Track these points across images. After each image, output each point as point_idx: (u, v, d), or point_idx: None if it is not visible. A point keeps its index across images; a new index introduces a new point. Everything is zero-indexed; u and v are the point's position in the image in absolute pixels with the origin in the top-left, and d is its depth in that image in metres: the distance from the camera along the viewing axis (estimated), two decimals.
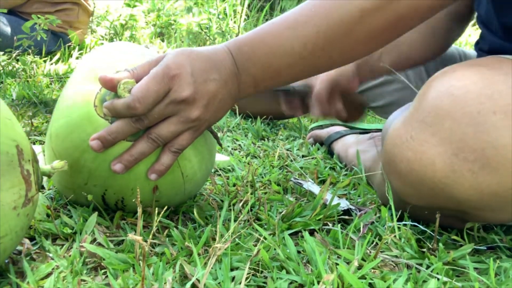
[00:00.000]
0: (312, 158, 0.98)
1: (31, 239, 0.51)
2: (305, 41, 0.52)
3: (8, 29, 1.77)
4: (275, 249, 0.49)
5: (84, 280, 0.44)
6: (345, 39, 0.52)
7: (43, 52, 1.81)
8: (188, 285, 0.41)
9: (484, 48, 0.79)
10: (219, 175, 0.77)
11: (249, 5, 2.81)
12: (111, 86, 0.50)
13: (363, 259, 0.49)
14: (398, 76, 1.05)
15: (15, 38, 1.69)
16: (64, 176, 0.56)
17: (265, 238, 0.51)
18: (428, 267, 0.48)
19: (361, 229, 0.53)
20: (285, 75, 0.54)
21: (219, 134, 1.08)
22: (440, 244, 0.50)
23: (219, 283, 0.43)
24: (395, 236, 0.52)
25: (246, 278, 0.44)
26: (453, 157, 0.45)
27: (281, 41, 0.52)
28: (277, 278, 0.44)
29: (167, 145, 0.52)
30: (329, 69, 0.56)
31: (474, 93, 0.45)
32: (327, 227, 0.58)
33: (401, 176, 0.49)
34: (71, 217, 0.56)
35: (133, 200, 0.53)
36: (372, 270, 0.48)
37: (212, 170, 0.65)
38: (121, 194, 0.55)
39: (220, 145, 0.61)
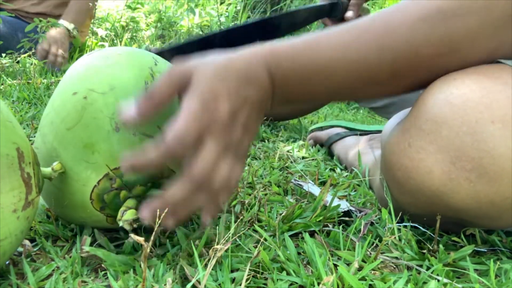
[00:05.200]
0: (313, 159, 0.98)
1: (32, 240, 0.51)
2: (346, 76, 0.48)
3: (9, 31, 1.77)
4: (275, 251, 0.49)
5: (84, 282, 0.44)
6: (390, 82, 0.49)
7: None
8: (189, 286, 0.41)
9: None
10: None
11: (247, 7, 2.82)
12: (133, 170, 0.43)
13: (363, 261, 0.49)
14: None
15: (15, 40, 1.69)
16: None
17: (265, 240, 0.51)
18: (428, 268, 0.48)
19: (362, 229, 0.53)
20: (316, 99, 0.51)
21: None
22: (441, 246, 0.50)
23: (219, 284, 0.43)
24: (395, 237, 0.52)
25: (247, 280, 0.44)
26: (450, 165, 0.45)
27: (324, 67, 0.48)
28: (277, 279, 0.44)
29: (225, 185, 0.45)
30: (361, 98, 0.54)
31: (472, 102, 0.45)
32: (327, 228, 0.58)
33: (399, 184, 0.49)
34: None
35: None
36: (372, 272, 0.48)
37: None
38: None
39: None
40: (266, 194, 0.71)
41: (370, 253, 0.51)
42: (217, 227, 0.51)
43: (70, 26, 1.77)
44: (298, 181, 0.75)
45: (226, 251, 0.47)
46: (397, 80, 0.49)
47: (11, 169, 0.40)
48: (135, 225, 0.46)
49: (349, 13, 1.04)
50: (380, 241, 0.55)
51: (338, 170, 0.91)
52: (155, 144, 0.42)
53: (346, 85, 0.50)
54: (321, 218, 0.59)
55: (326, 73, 0.48)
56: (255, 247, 0.51)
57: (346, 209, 0.62)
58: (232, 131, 0.44)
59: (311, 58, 0.48)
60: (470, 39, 0.47)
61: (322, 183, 0.82)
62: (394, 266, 0.50)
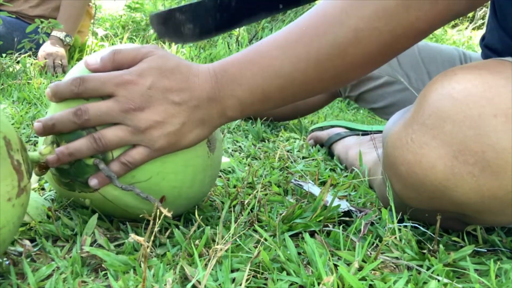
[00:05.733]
0: (313, 159, 0.98)
1: (32, 240, 0.51)
2: (296, 62, 0.49)
3: (9, 32, 1.77)
4: (275, 251, 0.49)
5: (84, 282, 0.44)
6: (339, 61, 0.49)
7: None
8: (189, 286, 0.41)
9: (492, 46, 0.79)
10: (220, 176, 0.77)
11: None
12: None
13: (363, 261, 0.49)
14: (399, 77, 1.05)
15: (15, 40, 1.69)
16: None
17: (265, 240, 0.51)
18: (428, 268, 0.48)
19: (362, 229, 0.53)
20: (275, 98, 0.52)
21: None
22: (441, 246, 0.50)
23: (219, 284, 0.43)
24: (395, 237, 0.52)
25: (247, 280, 0.44)
26: (453, 159, 0.45)
27: (271, 61, 0.50)
28: (277, 279, 0.44)
29: (120, 155, 0.50)
30: (322, 92, 0.55)
31: (475, 96, 0.45)
32: (327, 228, 0.58)
33: (402, 179, 0.49)
34: (71, 219, 0.56)
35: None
36: (373, 272, 0.47)
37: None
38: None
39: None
40: (266, 194, 0.71)
41: (370, 253, 0.51)
42: (217, 227, 0.51)
43: (62, 35, 1.78)
44: (298, 181, 0.75)
45: (226, 251, 0.47)
46: (345, 62, 0.50)
47: (1, 159, 0.40)
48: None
49: None
50: (380, 241, 0.55)
51: (338, 170, 0.91)
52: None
53: (297, 82, 0.51)
54: (321, 218, 0.59)
55: (271, 70, 0.50)
56: (255, 247, 0.51)
57: (346, 209, 0.62)
58: (139, 115, 0.48)
59: (255, 59, 0.51)
60: (389, 15, 0.48)
61: (322, 183, 0.82)
62: (394, 266, 0.50)
